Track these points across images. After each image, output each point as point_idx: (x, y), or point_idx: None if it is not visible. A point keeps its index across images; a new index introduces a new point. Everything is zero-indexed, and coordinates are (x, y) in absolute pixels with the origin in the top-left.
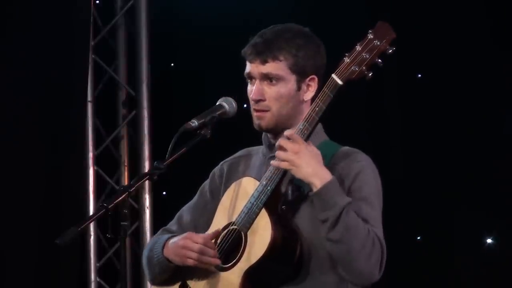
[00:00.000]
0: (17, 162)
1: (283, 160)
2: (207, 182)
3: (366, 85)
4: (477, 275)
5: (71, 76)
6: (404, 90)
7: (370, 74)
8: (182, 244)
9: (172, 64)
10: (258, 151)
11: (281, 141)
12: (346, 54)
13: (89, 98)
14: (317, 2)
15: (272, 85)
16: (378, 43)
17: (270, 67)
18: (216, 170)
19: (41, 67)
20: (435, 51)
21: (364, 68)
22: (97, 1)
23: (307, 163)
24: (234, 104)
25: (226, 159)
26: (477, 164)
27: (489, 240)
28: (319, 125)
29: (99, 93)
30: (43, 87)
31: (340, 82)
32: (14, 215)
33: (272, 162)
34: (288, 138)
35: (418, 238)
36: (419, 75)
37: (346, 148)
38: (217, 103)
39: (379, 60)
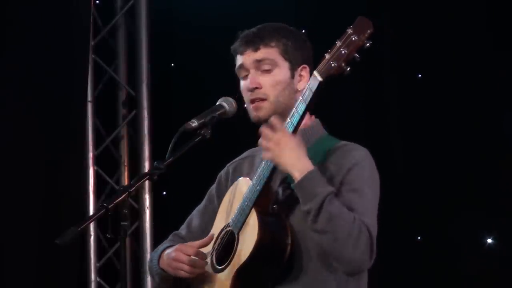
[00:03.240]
0: (17, 162)
1: (266, 150)
2: (214, 186)
3: (366, 85)
4: (477, 275)
5: (71, 76)
6: (404, 90)
7: (348, 69)
8: (174, 257)
9: (172, 64)
10: (261, 151)
11: (264, 129)
12: (328, 51)
13: (89, 98)
14: (317, 2)
15: (267, 73)
16: (356, 38)
17: (263, 53)
18: (222, 173)
19: (41, 67)
20: (435, 51)
21: (343, 64)
22: (97, 1)
23: (287, 154)
24: (234, 104)
25: (232, 161)
26: (477, 164)
27: (489, 240)
28: (317, 120)
29: (99, 93)
30: (43, 87)
31: (320, 78)
32: (14, 215)
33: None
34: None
35: (418, 238)
36: (419, 75)
37: (343, 142)
38: (217, 103)
39: (357, 55)
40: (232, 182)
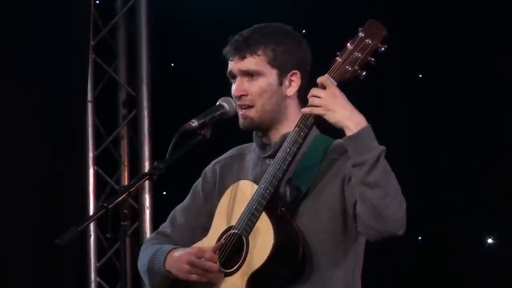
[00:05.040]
0: (17, 162)
1: (318, 106)
2: (199, 182)
3: (366, 85)
4: (478, 275)
5: (71, 76)
6: (404, 90)
7: (363, 73)
8: (187, 260)
9: (172, 64)
10: (250, 149)
11: (313, 91)
12: (338, 53)
13: (89, 98)
14: (316, 1)
15: (253, 81)
16: (370, 41)
17: (249, 63)
18: (207, 170)
19: (41, 67)
20: (435, 51)
21: (357, 67)
22: (97, 1)
23: (343, 106)
24: (234, 104)
25: (218, 159)
26: (478, 164)
27: (490, 241)
28: None
29: (99, 93)
30: (43, 87)
31: (334, 82)
32: (14, 215)
33: (303, 109)
34: (321, 86)
35: (419, 238)
36: (419, 75)
37: (340, 140)
38: (217, 103)
39: (372, 59)
40: (221, 181)
